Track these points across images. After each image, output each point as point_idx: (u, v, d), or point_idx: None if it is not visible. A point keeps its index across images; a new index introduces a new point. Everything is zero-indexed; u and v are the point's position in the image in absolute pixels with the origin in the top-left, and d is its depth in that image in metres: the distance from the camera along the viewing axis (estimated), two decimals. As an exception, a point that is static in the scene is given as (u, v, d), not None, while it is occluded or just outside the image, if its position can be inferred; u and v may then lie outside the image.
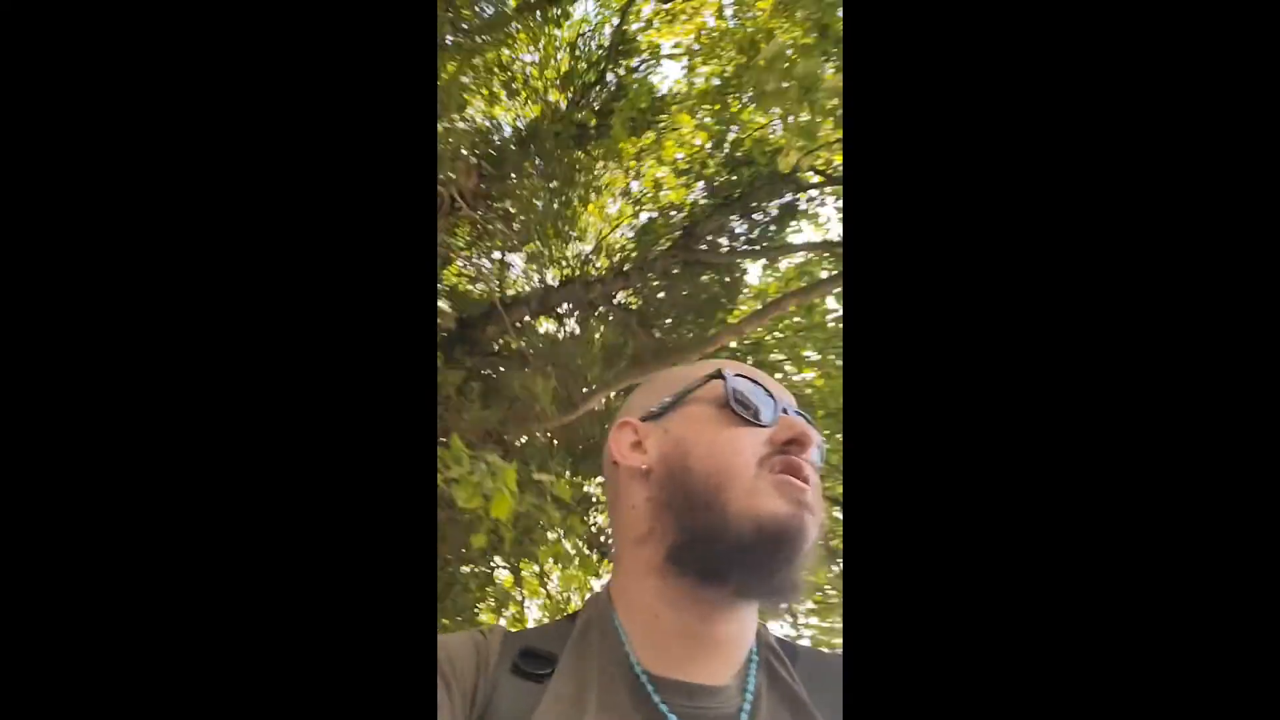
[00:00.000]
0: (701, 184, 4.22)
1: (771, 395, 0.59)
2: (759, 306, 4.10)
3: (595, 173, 4.17)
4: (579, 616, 0.59)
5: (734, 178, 4.10)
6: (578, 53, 4.02)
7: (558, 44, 4.00)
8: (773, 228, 4.17)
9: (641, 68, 4.00)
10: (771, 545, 0.52)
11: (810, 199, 4.12)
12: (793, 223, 4.17)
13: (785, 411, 0.58)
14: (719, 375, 0.59)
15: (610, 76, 3.99)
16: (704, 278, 4.20)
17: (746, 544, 0.52)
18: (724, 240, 4.22)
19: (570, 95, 4.01)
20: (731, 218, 4.14)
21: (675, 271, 4.15)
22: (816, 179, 3.98)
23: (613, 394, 3.58)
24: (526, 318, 3.94)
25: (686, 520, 0.55)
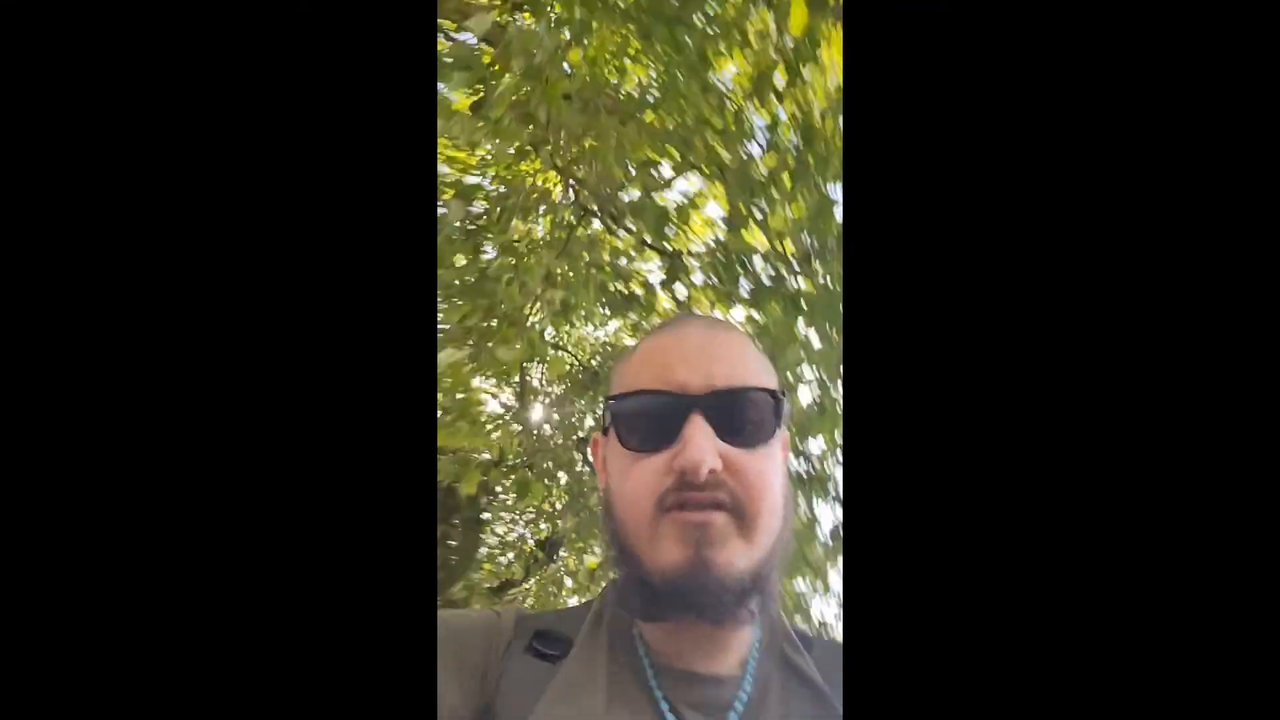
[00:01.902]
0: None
1: (669, 397, 0.52)
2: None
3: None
4: (595, 603, 0.60)
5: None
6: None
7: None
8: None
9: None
10: (687, 590, 0.50)
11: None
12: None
13: (691, 407, 0.51)
14: (608, 403, 0.56)
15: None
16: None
17: (666, 594, 0.51)
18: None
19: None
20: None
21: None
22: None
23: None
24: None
25: (618, 560, 0.54)
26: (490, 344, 2.36)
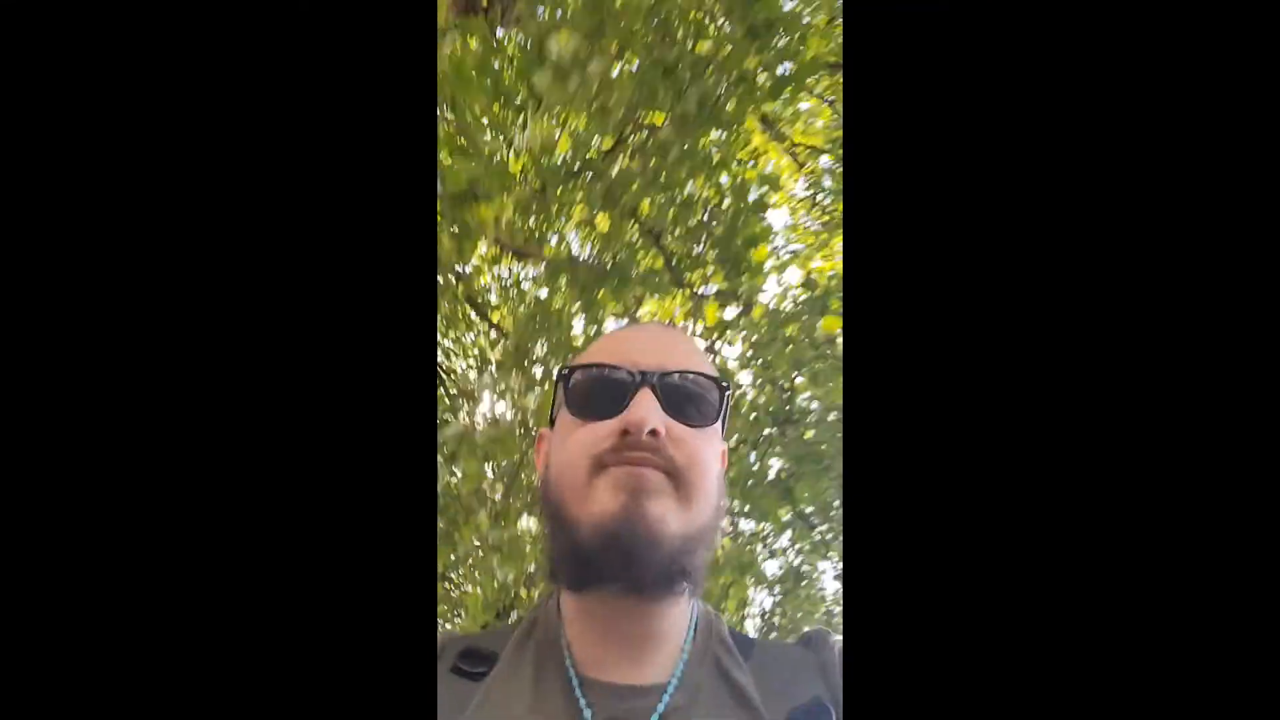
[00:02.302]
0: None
1: (624, 371, 0.54)
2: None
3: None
4: (525, 620, 0.59)
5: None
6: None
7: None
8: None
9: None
10: (614, 543, 0.50)
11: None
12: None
13: (642, 382, 0.53)
14: (560, 376, 0.58)
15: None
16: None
17: (591, 547, 0.51)
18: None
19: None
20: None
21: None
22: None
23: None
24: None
25: (551, 533, 0.55)
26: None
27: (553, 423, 0.60)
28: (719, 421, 0.57)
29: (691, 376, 0.55)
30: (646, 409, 0.52)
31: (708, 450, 0.55)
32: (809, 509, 4.00)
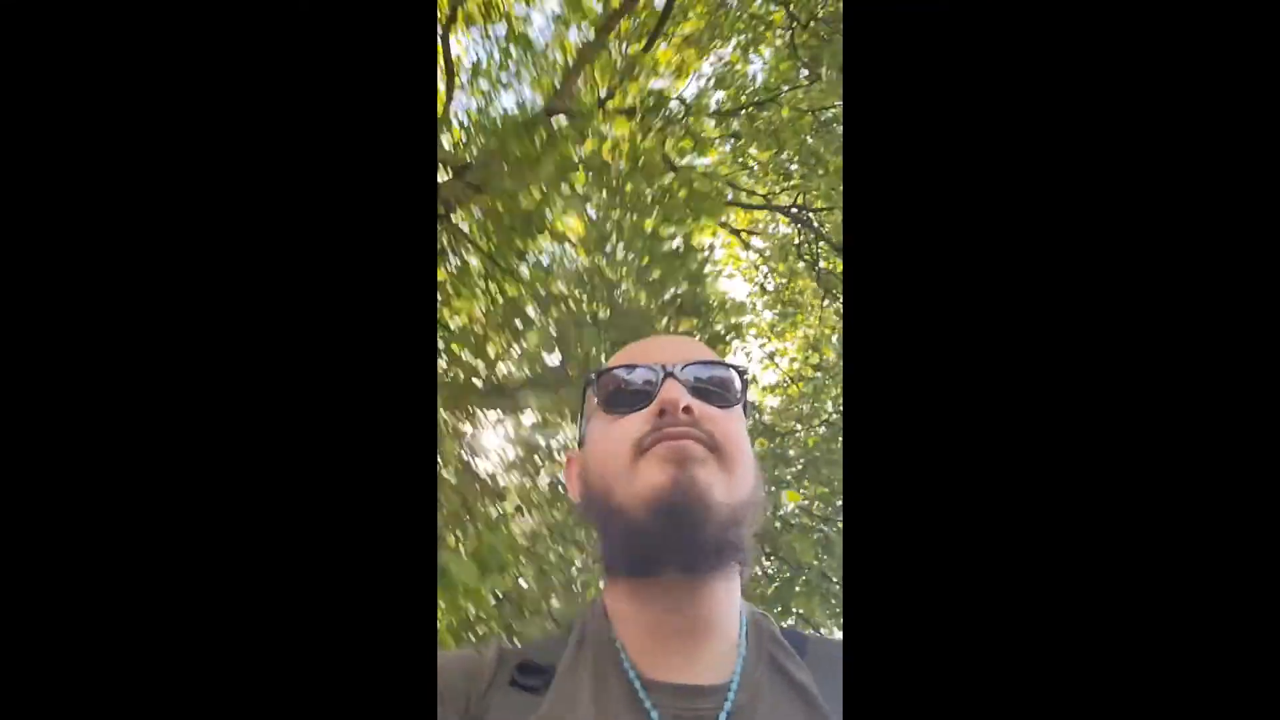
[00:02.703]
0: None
1: (647, 368, 0.58)
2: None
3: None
4: (574, 628, 0.59)
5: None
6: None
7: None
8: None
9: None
10: (669, 516, 0.52)
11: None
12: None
13: (667, 374, 0.57)
14: (588, 382, 0.61)
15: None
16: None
17: (647, 526, 0.52)
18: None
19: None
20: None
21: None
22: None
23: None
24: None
25: (603, 528, 0.57)
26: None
27: (581, 443, 0.63)
28: (741, 405, 0.60)
29: (711, 364, 0.59)
30: (677, 391, 0.56)
31: (739, 425, 0.58)
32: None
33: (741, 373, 0.60)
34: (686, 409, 0.54)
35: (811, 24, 3.83)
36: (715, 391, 0.58)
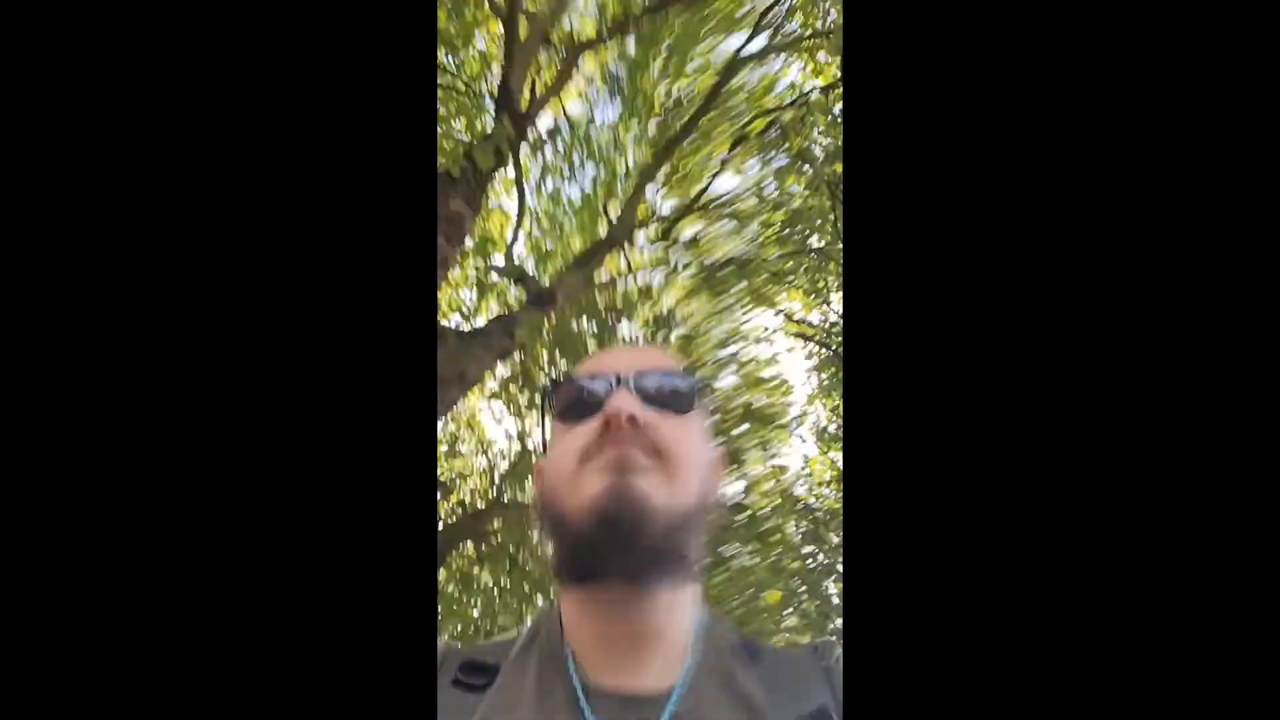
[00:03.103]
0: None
1: (601, 378, 0.58)
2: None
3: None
4: (527, 629, 0.60)
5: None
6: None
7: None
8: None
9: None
10: (606, 524, 0.52)
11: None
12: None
13: (618, 384, 0.57)
14: (546, 393, 0.61)
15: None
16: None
17: (591, 534, 0.52)
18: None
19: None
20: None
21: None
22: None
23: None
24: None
25: (552, 535, 0.57)
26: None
27: (546, 449, 0.63)
28: (695, 410, 0.60)
29: (663, 372, 0.59)
30: (624, 400, 0.55)
31: (690, 431, 0.58)
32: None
33: (695, 376, 0.60)
34: (631, 418, 0.54)
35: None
36: (667, 399, 0.58)
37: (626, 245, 3.77)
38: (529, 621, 0.61)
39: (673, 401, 0.58)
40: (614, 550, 0.52)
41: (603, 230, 3.98)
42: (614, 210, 4.05)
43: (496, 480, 4.65)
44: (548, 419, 0.63)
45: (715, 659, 0.56)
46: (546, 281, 3.65)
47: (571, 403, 0.59)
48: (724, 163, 4.16)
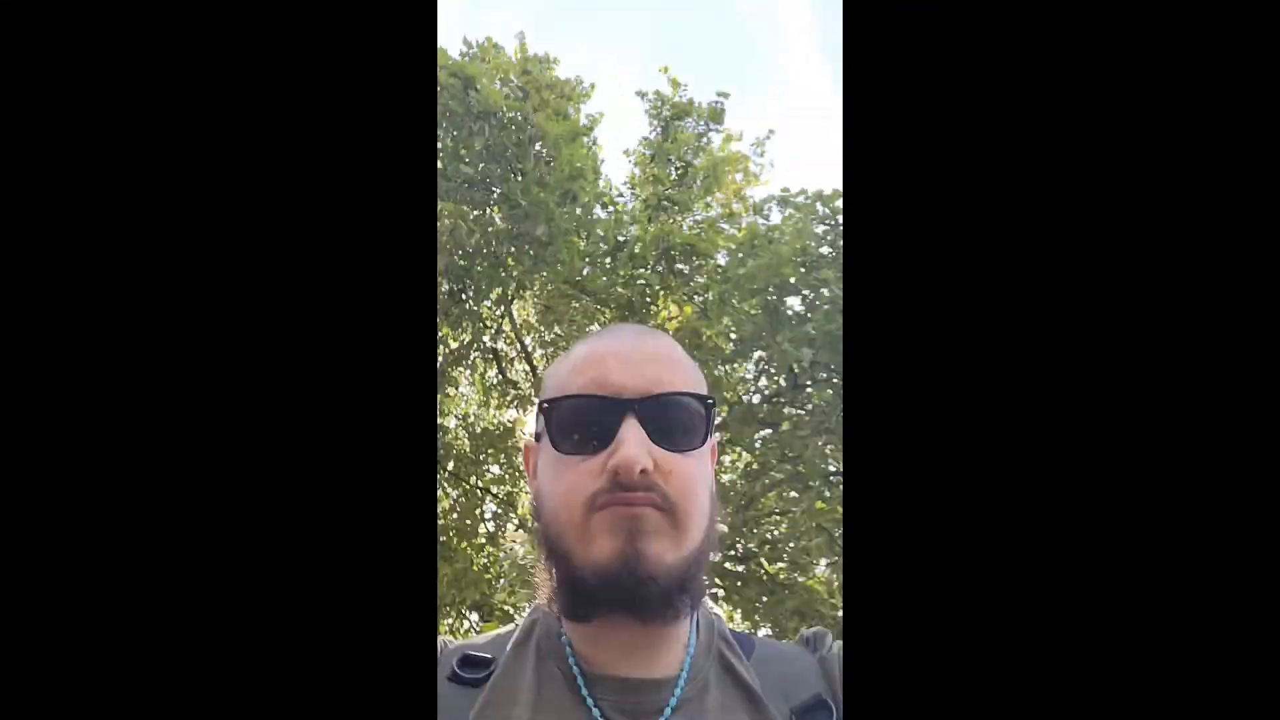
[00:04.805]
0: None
1: (605, 402, 0.53)
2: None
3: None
4: (523, 621, 0.59)
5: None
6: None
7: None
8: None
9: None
10: (618, 582, 0.50)
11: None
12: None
13: (627, 412, 0.52)
14: (542, 409, 0.56)
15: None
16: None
17: (598, 587, 0.51)
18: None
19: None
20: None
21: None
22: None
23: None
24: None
25: (549, 560, 0.55)
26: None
27: (538, 437, 0.59)
28: (706, 440, 0.56)
29: (676, 398, 0.54)
30: (634, 445, 0.51)
31: (700, 475, 0.55)
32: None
33: (710, 403, 0.56)
34: (643, 471, 0.51)
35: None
36: (678, 432, 0.53)
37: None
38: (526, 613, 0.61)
39: (684, 436, 0.54)
40: (619, 604, 0.51)
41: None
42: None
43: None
44: (539, 428, 0.58)
45: (712, 647, 0.57)
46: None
47: (571, 428, 0.54)
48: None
